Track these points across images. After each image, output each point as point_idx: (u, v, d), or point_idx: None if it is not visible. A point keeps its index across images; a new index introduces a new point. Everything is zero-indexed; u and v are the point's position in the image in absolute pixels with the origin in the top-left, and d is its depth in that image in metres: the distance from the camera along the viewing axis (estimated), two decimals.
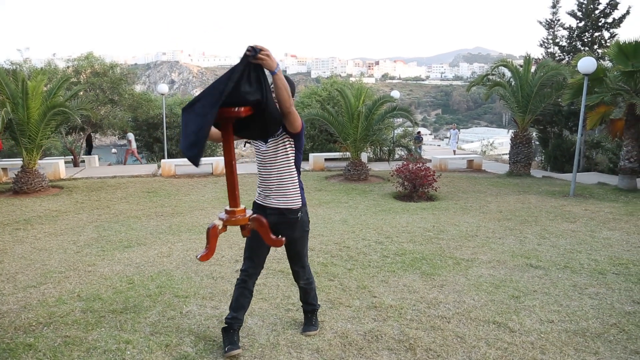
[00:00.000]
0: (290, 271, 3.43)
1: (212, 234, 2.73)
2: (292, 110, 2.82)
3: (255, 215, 2.88)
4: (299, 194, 3.13)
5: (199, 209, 8.67)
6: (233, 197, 2.76)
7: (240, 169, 14.62)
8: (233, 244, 5.98)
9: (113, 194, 10.19)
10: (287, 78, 3.02)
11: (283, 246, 3.29)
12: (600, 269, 4.95)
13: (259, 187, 3.19)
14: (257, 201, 3.21)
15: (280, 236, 2.92)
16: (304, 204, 3.18)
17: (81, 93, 14.65)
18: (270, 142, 3.02)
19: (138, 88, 21.49)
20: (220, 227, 2.77)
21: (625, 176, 11.07)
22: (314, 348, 3.25)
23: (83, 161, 16.87)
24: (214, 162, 13.28)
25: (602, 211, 8.20)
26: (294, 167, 3.10)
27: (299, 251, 3.28)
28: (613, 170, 15.10)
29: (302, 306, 3.55)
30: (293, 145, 3.05)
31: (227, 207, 2.79)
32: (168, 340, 3.35)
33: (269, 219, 3.08)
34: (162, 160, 13.71)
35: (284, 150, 3.03)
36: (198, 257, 2.72)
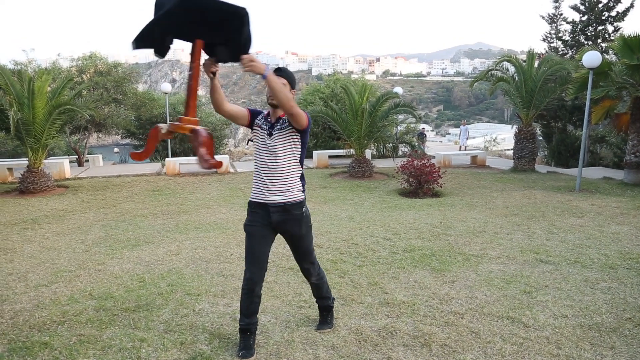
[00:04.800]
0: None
1: (151, 135, 2.82)
2: (295, 111, 2.83)
3: (197, 128, 2.77)
4: (302, 189, 3.12)
5: (205, 207, 8.68)
6: (187, 106, 2.80)
7: (245, 167, 14.60)
8: (241, 241, 5.97)
9: (118, 193, 10.20)
10: (285, 70, 3.02)
11: (290, 244, 3.23)
12: (611, 264, 4.94)
13: (258, 183, 3.07)
14: (255, 200, 3.08)
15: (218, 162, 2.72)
16: (305, 198, 3.16)
17: (85, 92, 14.66)
18: (276, 136, 2.99)
19: (140, 87, 21.51)
20: (163, 131, 2.80)
21: (631, 170, 11.04)
22: (329, 345, 3.24)
23: (87, 160, 16.91)
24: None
25: (609, 206, 8.18)
26: (298, 162, 3.09)
27: (307, 247, 3.22)
28: (618, 165, 15.05)
29: (316, 302, 3.50)
30: (299, 140, 3.04)
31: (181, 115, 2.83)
32: (182, 338, 3.35)
33: (273, 217, 3.01)
34: (166, 159, 13.71)
35: (290, 144, 3.01)
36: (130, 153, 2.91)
